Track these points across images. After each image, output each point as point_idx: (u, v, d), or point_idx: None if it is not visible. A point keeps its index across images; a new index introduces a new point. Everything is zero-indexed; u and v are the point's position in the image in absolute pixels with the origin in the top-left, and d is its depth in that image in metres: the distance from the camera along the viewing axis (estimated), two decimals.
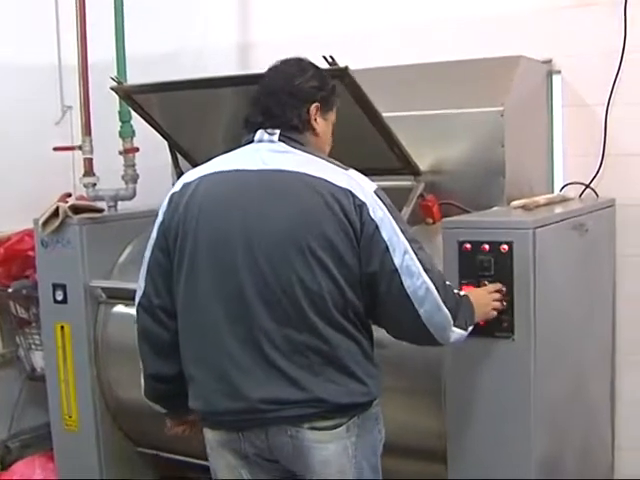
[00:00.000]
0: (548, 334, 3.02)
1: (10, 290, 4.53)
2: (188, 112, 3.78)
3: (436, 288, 2.53)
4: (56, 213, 3.92)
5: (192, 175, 2.69)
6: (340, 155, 3.48)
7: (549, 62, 3.95)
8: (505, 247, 2.93)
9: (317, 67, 2.72)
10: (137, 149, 4.33)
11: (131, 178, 4.34)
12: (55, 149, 4.43)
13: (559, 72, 3.97)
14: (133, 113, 4.06)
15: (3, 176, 4.78)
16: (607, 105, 3.84)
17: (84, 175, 4.41)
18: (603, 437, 3.82)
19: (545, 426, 3.06)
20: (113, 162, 4.43)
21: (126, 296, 3.56)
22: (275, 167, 2.56)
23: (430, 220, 3.59)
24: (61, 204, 3.94)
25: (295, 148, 2.60)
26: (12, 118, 4.85)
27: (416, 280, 2.51)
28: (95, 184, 4.39)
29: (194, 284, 2.58)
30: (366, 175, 3.43)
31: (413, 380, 3.27)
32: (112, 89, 3.73)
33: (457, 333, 2.63)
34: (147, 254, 2.73)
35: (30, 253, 4.37)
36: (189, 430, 2.97)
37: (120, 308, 3.99)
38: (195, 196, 2.61)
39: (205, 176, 2.64)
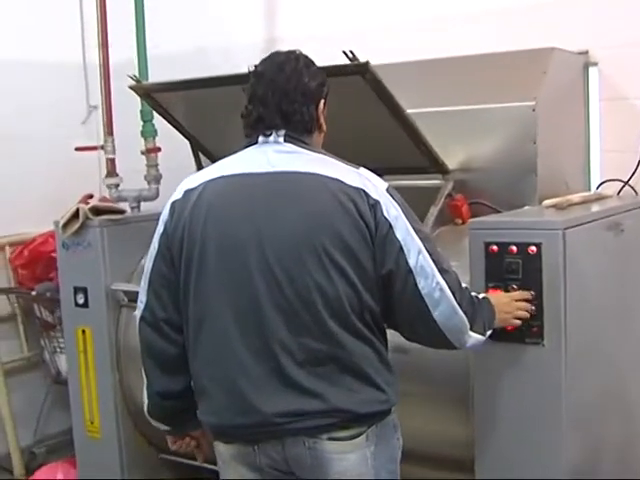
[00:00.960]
0: (580, 339, 2.89)
1: (34, 293, 4.48)
2: (210, 110, 3.70)
3: (451, 290, 2.45)
4: (76, 215, 3.86)
5: (194, 181, 2.57)
6: (363, 154, 3.40)
7: (585, 54, 3.81)
8: (533, 249, 2.79)
9: (312, 61, 2.60)
10: (159, 149, 4.26)
11: (154, 178, 4.27)
12: (77, 149, 4.38)
13: (596, 64, 3.82)
14: (155, 112, 3.98)
15: (29, 176, 4.76)
16: None
17: (107, 176, 4.36)
18: None
19: (577, 434, 2.92)
20: (137, 163, 4.37)
21: None
22: (284, 169, 2.46)
23: (459, 220, 3.49)
24: (81, 205, 3.88)
25: (303, 148, 2.50)
26: (39, 117, 4.83)
27: (431, 281, 2.42)
28: (118, 185, 4.33)
29: (204, 295, 2.47)
30: (392, 174, 3.36)
31: (439, 387, 3.17)
32: (131, 88, 3.65)
33: (474, 338, 2.53)
34: (148, 265, 2.61)
35: (54, 255, 4.29)
36: (195, 444, 2.85)
37: None
38: (200, 203, 2.49)
39: (209, 181, 2.53)
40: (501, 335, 2.79)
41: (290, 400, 2.40)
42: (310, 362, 2.39)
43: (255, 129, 2.52)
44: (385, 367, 2.51)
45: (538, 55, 3.52)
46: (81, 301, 3.94)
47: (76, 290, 3.95)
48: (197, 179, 2.57)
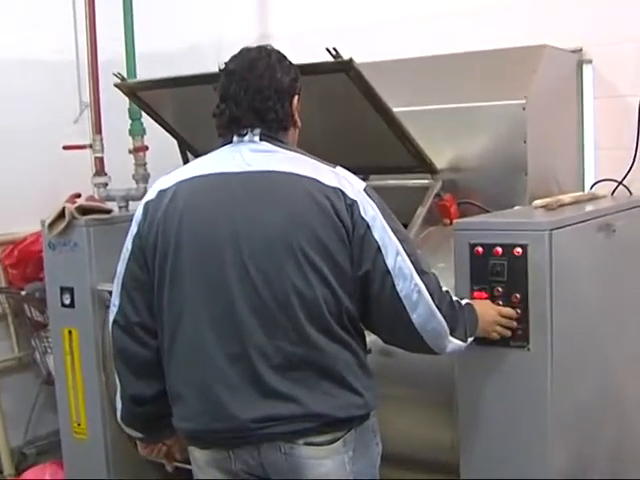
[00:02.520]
0: (568, 344, 2.82)
1: (23, 293, 4.44)
2: (197, 109, 3.57)
3: (429, 292, 2.40)
4: (62, 214, 3.82)
5: (167, 181, 2.52)
6: (349, 153, 3.38)
7: (579, 51, 3.76)
8: (519, 250, 2.73)
9: (284, 55, 2.54)
10: (147, 147, 4.21)
11: (142, 177, 4.23)
12: (65, 148, 4.32)
13: (590, 62, 3.77)
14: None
15: (20, 175, 4.69)
16: None
17: (95, 175, 4.33)
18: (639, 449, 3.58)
19: (566, 441, 2.86)
20: (127, 162, 4.32)
21: None
22: (260, 168, 2.41)
23: (447, 221, 3.43)
24: (68, 205, 3.83)
25: (279, 147, 2.46)
26: (31, 115, 4.76)
27: (409, 283, 2.37)
28: (107, 184, 4.29)
29: (179, 298, 2.42)
30: (379, 174, 3.31)
31: (423, 391, 3.13)
32: (116, 86, 3.60)
33: (454, 343, 2.49)
34: (120, 268, 2.57)
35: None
36: (166, 450, 2.81)
37: None
38: (174, 204, 2.44)
39: (182, 182, 2.48)
40: (485, 338, 2.74)
41: (266, 405, 2.36)
42: (287, 366, 2.35)
43: (229, 129, 2.48)
44: (363, 371, 2.46)
45: (529, 52, 3.47)
46: (67, 301, 3.90)
47: (62, 290, 3.91)
48: (170, 179, 2.52)
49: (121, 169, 4.40)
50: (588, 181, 3.81)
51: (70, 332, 3.92)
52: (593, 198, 3.48)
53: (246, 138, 2.45)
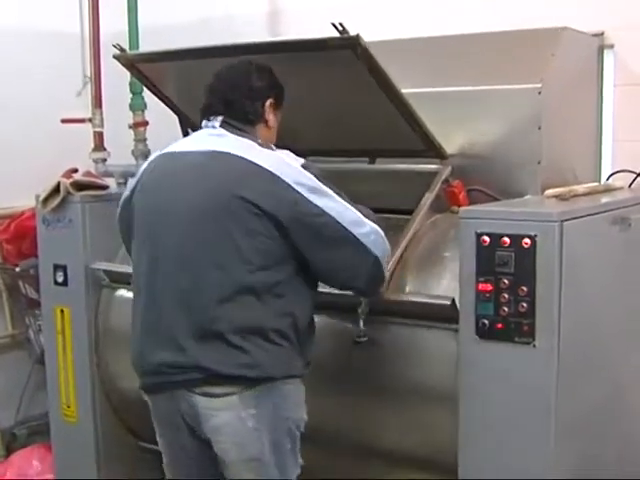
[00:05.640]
0: (576, 340, 2.70)
1: (18, 269, 4.33)
2: (199, 84, 3.47)
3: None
4: (57, 189, 3.73)
5: (154, 154, 2.93)
6: (354, 135, 3.27)
7: (600, 35, 3.60)
8: (527, 241, 2.61)
9: (269, 67, 2.89)
10: (147, 122, 4.09)
11: (141, 153, 4.13)
12: (63, 121, 4.19)
13: (612, 47, 3.62)
14: None
15: (20, 148, 4.62)
16: None
17: (93, 150, 4.24)
18: None
19: (570, 442, 2.73)
20: (127, 137, 4.21)
21: (129, 280, 3.31)
22: (205, 148, 2.75)
23: (456, 208, 3.26)
24: (63, 180, 3.74)
25: (232, 133, 2.76)
26: (33, 88, 4.72)
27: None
28: (105, 159, 4.18)
29: (134, 248, 2.86)
30: (385, 157, 3.41)
31: (420, 387, 3.00)
32: (115, 57, 3.46)
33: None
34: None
35: None
36: None
37: (123, 293, 3.77)
38: (146, 173, 2.87)
39: (158, 156, 2.89)
40: (489, 333, 2.65)
41: (167, 353, 2.66)
42: (188, 318, 2.62)
43: (203, 116, 2.86)
44: (264, 335, 2.63)
45: (548, 35, 3.32)
46: (60, 279, 3.82)
47: (55, 268, 3.84)
48: (156, 153, 2.93)
49: (121, 145, 4.29)
50: (604, 172, 3.66)
51: (62, 311, 3.85)
52: (609, 189, 3.33)
53: (210, 124, 2.81)
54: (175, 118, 3.78)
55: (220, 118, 2.78)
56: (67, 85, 4.80)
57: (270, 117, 2.84)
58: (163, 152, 2.87)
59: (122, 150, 4.27)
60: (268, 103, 2.83)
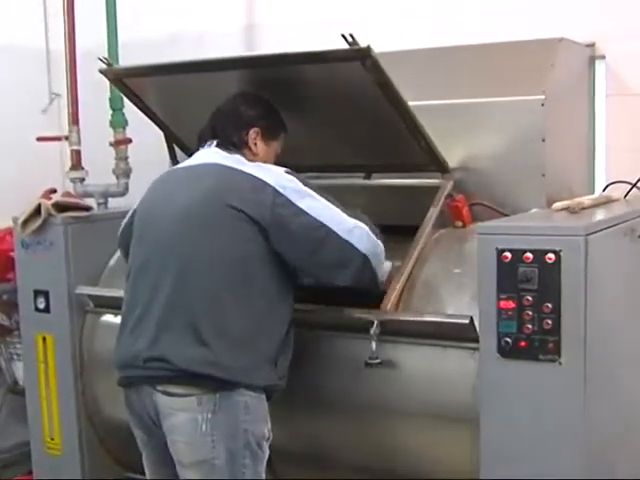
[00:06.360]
0: (598, 356, 2.64)
1: None
2: (186, 99, 3.42)
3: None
4: (38, 211, 3.59)
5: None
6: (355, 148, 3.17)
7: (592, 46, 3.59)
8: (552, 257, 2.55)
9: (267, 101, 3.03)
10: (130, 140, 3.94)
11: (123, 172, 4.04)
12: (39, 139, 4.04)
13: (603, 57, 3.62)
14: (126, 101, 3.72)
15: None
16: None
17: (71, 169, 4.13)
18: None
19: (593, 463, 2.65)
20: (104, 155, 4.09)
21: (115, 305, 3.27)
22: (199, 162, 2.92)
23: (459, 223, 3.22)
24: (43, 201, 3.61)
25: (224, 151, 2.89)
26: None
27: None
28: (83, 179, 4.06)
29: (132, 257, 2.93)
30: (387, 172, 3.41)
31: (438, 407, 2.90)
32: (101, 72, 3.33)
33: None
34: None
35: (12, 254, 4.00)
36: None
37: (109, 318, 3.63)
38: (146, 192, 3.00)
39: (160, 176, 3.02)
40: (512, 352, 2.58)
41: (143, 347, 2.72)
42: (170, 310, 2.69)
43: (199, 141, 3.02)
44: (240, 344, 2.68)
45: (546, 46, 3.31)
46: (42, 306, 3.69)
47: (36, 294, 3.70)
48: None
49: (94, 164, 4.15)
50: (598, 183, 3.63)
51: (44, 339, 3.70)
52: (610, 201, 3.29)
53: (206, 145, 2.97)
54: (155, 134, 3.68)
55: (216, 141, 2.94)
56: (31, 102, 4.65)
57: (255, 145, 2.96)
58: (164, 172, 3.05)
59: (97, 169, 4.13)
60: (252, 132, 2.95)
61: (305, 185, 2.77)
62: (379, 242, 2.80)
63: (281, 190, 2.71)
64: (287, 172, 2.80)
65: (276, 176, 2.76)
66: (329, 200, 2.77)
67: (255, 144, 2.95)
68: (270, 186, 2.72)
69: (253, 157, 2.94)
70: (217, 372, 2.65)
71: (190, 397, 2.67)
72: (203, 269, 2.70)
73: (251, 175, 2.75)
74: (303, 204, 2.71)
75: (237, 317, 2.70)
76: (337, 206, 2.76)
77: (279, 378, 2.82)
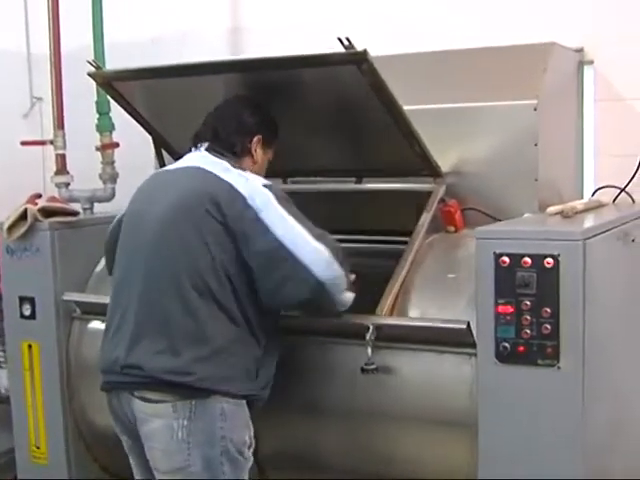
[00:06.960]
0: (597, 361, 2.66)
1: None
2: (175, 102, 3.38)
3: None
4: (23, 216, 3.53)
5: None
6: (348, 151, 3.15)
7: (580, 51, 3.60)
8: (550, 261, 2.56)
9: (266, 107, 3.01)
10: (117, 144, 3.91)
11: (110, 177, 3.99)
12: (23, 143, 3.99)
13: (591, 62, 3.62)
14: (113, 104, 3.68)
15: None
16: None
17: (56, 173, 4.06)
18: None
19: (591, 468, 2.66)
20: (90, 159, 4.04)
21: (103, 311, 3.16)
22: (184, 165, 2.92)
23: (452, 228, 3.22)
24: (29, 206, 3.54)
25: (212, 155, 2.87)
26: None
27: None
28: (69, 184, 4.03)
29: (118, 259, 2.92)
30: (378, 177, 3.39)
31: (437, 412, 2.88)
32: (89, 75, 3.29)
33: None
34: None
35: None
36: None
37: (96, 325, 3.55)
38: (134, 194, 2.99)
39: (148, 177, 3.01)
40: (510, 357, 2.59)
41: (121, 352, 2.72)
42: (148, 316, 2.70)
43: (193, 142, 2.97)
44: (217, 351, 2.66)
45: (538, 50, 3.31)
46: (27, 312, 3.62)
47: (22, 300, 3.64)
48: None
49: (79, 168, 4.11)
50: (587, 188, 3.64)
51: (30, 346, 3.64)
52: (600, 205, 3.31)
53: (196, 149, 2.94)
54: (142, 138, 3.64)
55: (206, 144, 2.91)
56: (13, 106, 4.58)
57: (256, 153, 2.95)
58: (151, 174, 3.05)
59: (83, 174, 4.10)
60: (256, 139, 2.95)
61: (278, 200, 2.72)
62: (341, 270, 2.72)
63: (250, 202, 2.69)
64: (264, 185, 2.77)
65: (252, 188, 2.73)
66: (298, 219, 2.72)
67: (256, 151, 2.95)
68: (242, 197, 2.70)
69: (253, 165, 2.94)
70: (190, 381, 2.64)
71: (165, 403, 2.66)
72: (176, 276, 2.68)
73: (228, 183, 2.73)
74: (268, 220, 2.68)
75: (211, 326, 2.67)
76: (305, 226, 2.71)
77: (261, 388, 2.80)
